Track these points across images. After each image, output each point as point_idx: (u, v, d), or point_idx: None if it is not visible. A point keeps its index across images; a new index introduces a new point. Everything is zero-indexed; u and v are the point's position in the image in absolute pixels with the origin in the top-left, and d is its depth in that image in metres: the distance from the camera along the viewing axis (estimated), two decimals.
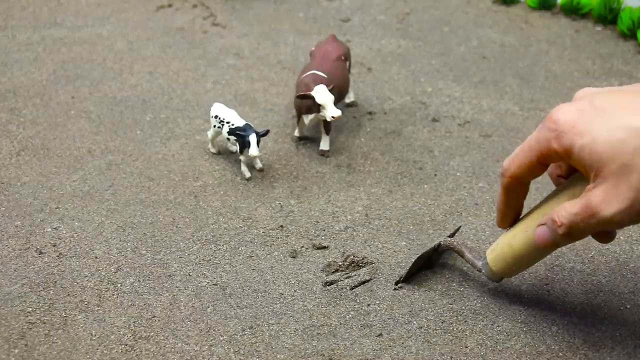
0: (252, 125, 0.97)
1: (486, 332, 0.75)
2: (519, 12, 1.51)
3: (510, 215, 0.74)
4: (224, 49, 1.32)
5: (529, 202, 0.76)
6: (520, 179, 0.71)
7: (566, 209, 0.65)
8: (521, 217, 0.75)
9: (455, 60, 1.31)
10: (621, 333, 0.76)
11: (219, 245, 0.86)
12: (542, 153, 0.67)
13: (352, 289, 0.80)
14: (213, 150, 1.03)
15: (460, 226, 0.87)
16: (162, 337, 0.74)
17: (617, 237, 0.89)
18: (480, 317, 0.77)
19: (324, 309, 0.78)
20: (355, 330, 0.75)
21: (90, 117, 1.10)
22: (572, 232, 0.65)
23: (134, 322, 0.75)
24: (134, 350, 0.72)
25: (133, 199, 0.93)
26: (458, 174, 1.00)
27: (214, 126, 1.00)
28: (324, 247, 0.86)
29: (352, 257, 0.84)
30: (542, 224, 0.68)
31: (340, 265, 0.83)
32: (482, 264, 0.77)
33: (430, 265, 0.83)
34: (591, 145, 0.62)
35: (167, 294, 0.79)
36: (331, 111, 0.97)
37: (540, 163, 0.68)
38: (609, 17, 1.44)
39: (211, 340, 0.73)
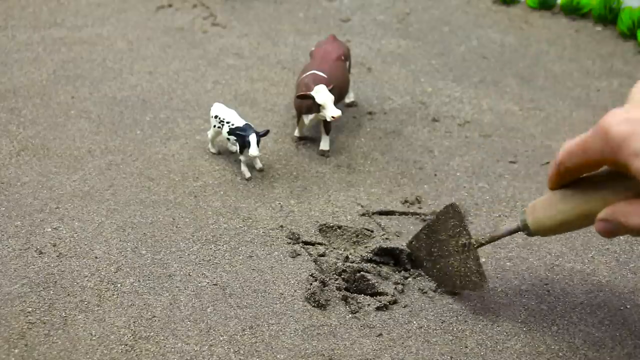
0: (252, 125, 0.97)
1: (486, 332, 0.75)
2: (519, 12, 1.51)
3: (561, 185, 0.70)
4: (224, 49, 1.32)
5: None
6: (573, 173, 0.67)
7: (632, 215, 0.61)
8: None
9: (455, 60, 1.31)
10: (621, 333, 0.76)
11: (219, 245, 0.86)
12: (596, 160, 0.63)
13: None
14: (213, 150, 1.03)
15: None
16: (162, 337, 0.73)
17: (617, 237, 0.89)
18: (480, 317, 0.77)
19: (324, 309, 0.78)
20: (355, 330, 0.75)
21: (90, 117, 1.10)
22: (635, 234, 0.63)
23: (134, 322, 0.75)
24: (134, 350, 0.72)
25: (133, 199, 0.93)
26: (458, 174, 1.00)
27: (214, 126, 1.00)
28: (324, 247, 0.86)
29: (351, 257, 0.84)
30: (604, 220, 0.64)
31: (340, 265, 0.83)
32: (520, 221, 0.73)
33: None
34: None
35: (167, 294, 0.79)
36: (331, 111, 0.97)
37: (595, 165, 0.64)
38: (609, 17, 1.44)
39: (211, 340, 0.73)
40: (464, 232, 0.79)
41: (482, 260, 0.80)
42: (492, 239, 0.77)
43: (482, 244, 0.78)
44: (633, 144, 0.57)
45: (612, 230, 0.64)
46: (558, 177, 0.68)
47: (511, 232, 0.75)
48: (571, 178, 0.68)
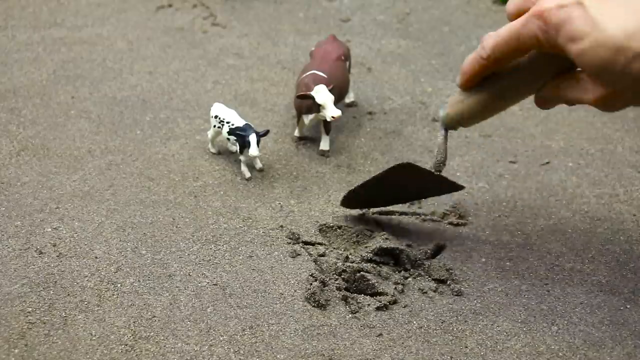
0: (252, 125, 0.97)
1: (486, 332, 0.76)
2: None
3: (477, 82, 0.73)
4: (224, 49, 1.32)
5: None
6: (500, 63, 0.69)
7: (570, 89, 0.66)
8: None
9: (455, 60, 1.31)
10: (621, 333, 0.76)
11: (219, 245, 0.86)
12: (529, 46, 0.64)
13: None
14: (213, 150, 1.03)
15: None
16: (162, 337, 0.74)
17: (617, 237, 0.89)
18: (480, 317, 0.77)
19: (324, 309, 0.78)
20: (355, 330, 0.75)
21: (90, 117, 1.10)
22: (569, 103, 0.69)
23: (134, 322, 0.75)
24: (134, 350, 0.72)
25: (133, 199, 0.93)
26: (458, 174, 1.00)
27: (214, 126, 1.00)
28: (324, 247, 0.86)
29: (351, 257, 0.84)
30: (543, 96, 0.70)
31: (340, 265, 0.83)
32: (441, 115, 0.79)
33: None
34: (589, 52, 0.59)
35: (167, 294, 0.79)
36: (331, 111, 0.97)
37: (525, 52, 0.67)
38: None
39: (211, 340, 0.73)
40: (421, 172, 0.83)
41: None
42: (445, 156, 0.81)
43: (439, 169, 0.82)
44: (568, 29, 0.60)
45: (549, 102, 0.71)
46: (483, 71, 0.71)
47: (446, 136, 0.81)
48: (494, 69, 0.71)
